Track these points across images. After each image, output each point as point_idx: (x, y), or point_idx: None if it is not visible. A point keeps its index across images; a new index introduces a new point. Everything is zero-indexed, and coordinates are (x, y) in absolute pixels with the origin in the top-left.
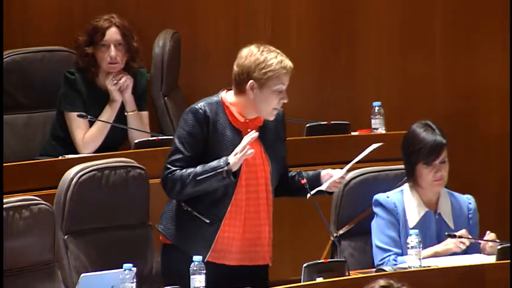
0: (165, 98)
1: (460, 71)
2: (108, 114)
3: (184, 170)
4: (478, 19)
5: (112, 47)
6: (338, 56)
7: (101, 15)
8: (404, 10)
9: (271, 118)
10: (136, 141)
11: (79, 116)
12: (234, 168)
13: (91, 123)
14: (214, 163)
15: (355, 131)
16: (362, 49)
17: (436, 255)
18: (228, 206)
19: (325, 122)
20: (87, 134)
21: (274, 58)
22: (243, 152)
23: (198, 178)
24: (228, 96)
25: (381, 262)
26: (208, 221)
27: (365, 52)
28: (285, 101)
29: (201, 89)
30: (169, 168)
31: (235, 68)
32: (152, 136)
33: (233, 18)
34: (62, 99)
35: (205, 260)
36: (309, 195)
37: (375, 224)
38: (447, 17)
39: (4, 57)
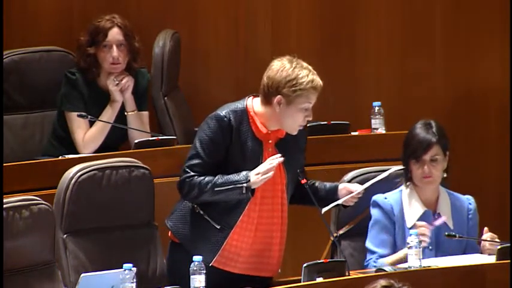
0: (165, 98)
1: (460, 71)
2: (109, 114)
3: (203, 178)
4: (478, 19)
5: (114, 48)
6: (338, 56)
7: (101, 15)
8: (404, 10)
9: (294, 133)
10: (136, 141)
11: (79, 116)
12: (254, 186)
13: (91, 123)
14: (234, 177)
15: (355, 131)
16: (362, 49)
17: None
18: (241, 215)
19: (325, 122)
20: (88, 134)
21: (306, 76)
22: (266, 175)
23: (216, 189)
24: (255, 104)
25: (366, 264)
26: (218, 227)
27: (365, 52)
28: (310, 119)
29: (201, 89)
30: (188, 172)
31: (264, 79)
32: (152, 136)
33: (233, 18)
34: (62, 99)
35: (210, 265)
36: (323, 210)
37: (369, 224)
38: (447, 17)
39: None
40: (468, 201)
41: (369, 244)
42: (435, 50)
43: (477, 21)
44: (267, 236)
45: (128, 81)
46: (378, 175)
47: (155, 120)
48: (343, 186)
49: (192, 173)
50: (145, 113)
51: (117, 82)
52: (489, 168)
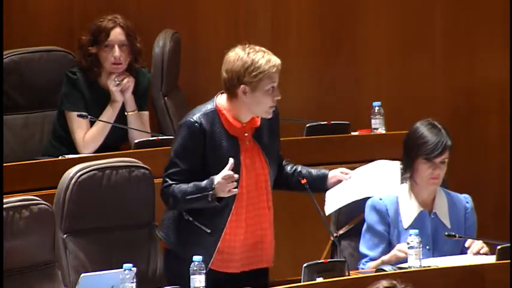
0: (165, 98)
1: (460, 71)
2: (109, 114)
3: (178, 186)
4: (478, 19)
5: (116, 48)
6: (338, 56)
7: (101, 15)
8: (405, 10)
9: (269, 116)
10: (136, 141)
11: (79, 116)
12: (220, 195)
13: (92, 123)
14: (203, 184)
15: (355, 131)
16: (362, 49)
17: (383, 263)
18: (229, 215)
19: (325, 122)
20: (88, 134)
21: (261, 58)
22: (229, 189)
23: (187, 197)
24: (223, 100)
25: (357, 266)
26: (209, 231)
27: (365, 52)
28: (278, 98)
29: (201, 89)
30: (167, 181)
31: (223, 74)
32: (152, 136)
33: (233, 18)
34: (63, 99)
35: (206, 269)
36: (327, 212)
37: (363, 228)
38: (447, 17)
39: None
40: (465, 200)
41: (362, 248)
42: (435, 50)
43: (477, 21)
44: (258, 228)
45: (128, 82)
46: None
47: (155, 120)
48: (333, 175)
49: (170, 182)
50: (146, 113)
51: (117, 82)
52: (489, 168)
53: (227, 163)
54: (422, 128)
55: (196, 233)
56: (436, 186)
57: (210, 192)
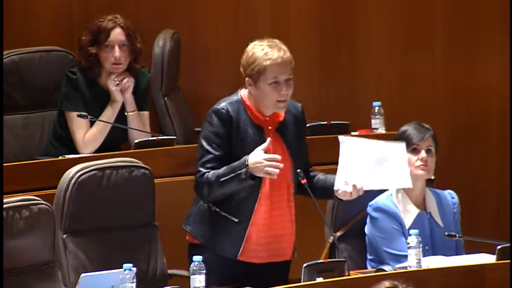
0: (165, 98)
1: (460, 71)
2: (109, 114)
3: (212, 172)
4: (478, 19)
5: (116, 48)
6: (338, 56)
7: (102, 15)
8: (405, 10)
9: (282, 110)
10: (136, 141)
11: (79, 116)
12: (256, 174)
13: (92, 123)
14: (236, 163)
15: (355, 131)
16: (362, 49)
17: None
18: (255, 205)
19: (325, 122)
20: (88, 134)
21: (260, 51)
22: (269, 172)
23: (222, 179)
24: (245, 93)
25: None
26: (236, 220)
27: (365, 52)
28: (286, 92)
29: (201, 89)
30: (201, 171)
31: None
32: (152, 136)
33: (233, 18)
34: (63, 99)
35: (236, 259)
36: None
37: (376, 230)
38: (447, 17)
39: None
40: (451, 195)
41: (391, 250)
42: (435, 50)
43: (477, 21)
44: (280, 221)
45: (128, 82)
46: None
47: (155, 120)
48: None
49: (205, 170)
50: (146, 113)
51: (117, 82)
52: (489, 169)
53: (253, 148)
54: (407, 126)
55: (224, 224)
56: (425, 176)
57: (244, 169)
